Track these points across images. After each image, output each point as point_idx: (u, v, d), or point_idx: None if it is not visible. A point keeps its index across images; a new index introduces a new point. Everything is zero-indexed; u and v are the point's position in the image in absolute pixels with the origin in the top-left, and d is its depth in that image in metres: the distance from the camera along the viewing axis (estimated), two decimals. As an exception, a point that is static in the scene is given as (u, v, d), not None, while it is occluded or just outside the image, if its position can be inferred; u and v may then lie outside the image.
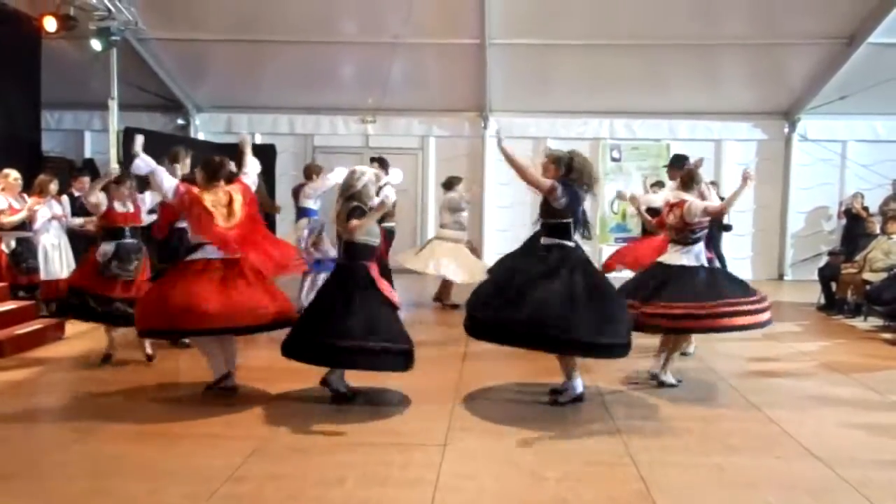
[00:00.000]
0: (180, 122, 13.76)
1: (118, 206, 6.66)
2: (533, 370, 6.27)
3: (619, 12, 10.92)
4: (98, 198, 6.57)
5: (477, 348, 7.19)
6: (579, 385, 5.65)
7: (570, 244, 5.53)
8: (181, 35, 11.66)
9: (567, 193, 5.45)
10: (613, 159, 13.67)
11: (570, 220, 5.52)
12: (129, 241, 6.70)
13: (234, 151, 6.73)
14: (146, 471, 4.25)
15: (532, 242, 5.71)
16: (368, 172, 5.67)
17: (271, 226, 8.96)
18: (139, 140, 5.84)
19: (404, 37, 11.07)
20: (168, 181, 5.62)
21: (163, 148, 10.80)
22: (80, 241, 8.89)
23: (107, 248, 6.60)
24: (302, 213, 9.28)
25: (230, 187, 5.74)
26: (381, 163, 9.60)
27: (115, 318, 6.58)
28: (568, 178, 5.51)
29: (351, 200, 5.49)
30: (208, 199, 5.61)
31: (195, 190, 5.65)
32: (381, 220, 5.91)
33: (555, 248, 5.51)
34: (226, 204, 5.66)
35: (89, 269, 6.66)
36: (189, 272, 5.55)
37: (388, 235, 8.32)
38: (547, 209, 5.56)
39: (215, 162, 5.83)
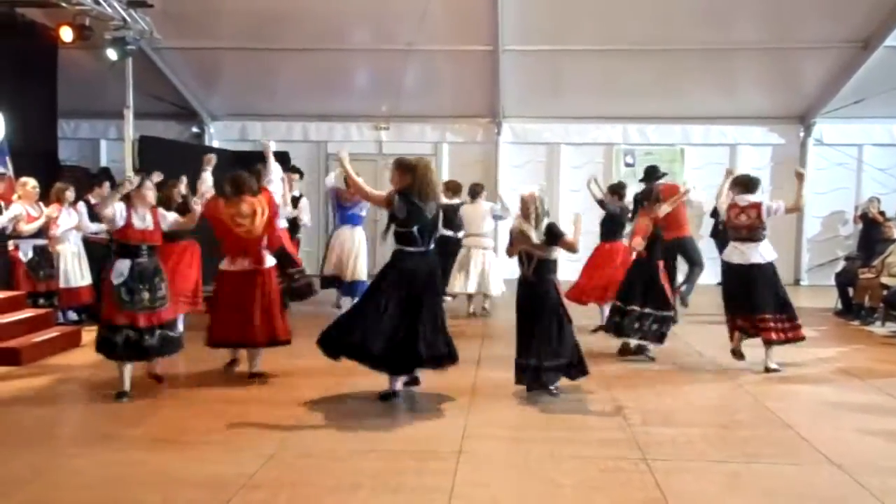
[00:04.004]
0: (195, 130, 13.87)
1: (136, 222, 5.90)
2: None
3: (632, 18, 10.90)
4: (115, 209, 5.80)
5: (491, 355, 7.19)
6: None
7: (414, 250, 5.68)
8: (196, 44, 11.74)
9: (405, 204, 5.57)
10: (627, 165, 13.62)
11: (413, 228, 5.63)
12: (145, 260, 5.94)
13: (249, 159, 6.86)
14: (160, 479, 4.25)
15: None
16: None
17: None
18: (212, 159, 6.62)
19: (417, 44, 11.10)
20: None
21: (178, 156, 10.90)
22: (96, 250, 8.96)
23: (122, 267, 5.84)
24: None
25: (255, 199, 6.19)
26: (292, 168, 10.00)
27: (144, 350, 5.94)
28: (409, 189, 5.61)
29: (539, 219, 5.73)
30: (230, 211, 6.06)
31: (224, 206, 6.09)
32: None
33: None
34: (249, 215, 6.09)
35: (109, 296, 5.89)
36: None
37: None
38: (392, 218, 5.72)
39: (241, 178, 6.22)
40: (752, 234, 6.85)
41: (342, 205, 9.50)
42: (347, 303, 8.91)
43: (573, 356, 5.87)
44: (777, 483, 4.31)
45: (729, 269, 6.99)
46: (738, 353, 7.00)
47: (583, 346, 6.06)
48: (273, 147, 6.95)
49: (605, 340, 7.56)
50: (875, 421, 5.53)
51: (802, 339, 6.92)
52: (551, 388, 5.90)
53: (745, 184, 7.06)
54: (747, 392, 6.24)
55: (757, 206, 6.86)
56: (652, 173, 9.18)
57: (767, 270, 6.85)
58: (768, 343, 6.80)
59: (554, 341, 5.77)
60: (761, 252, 6.86)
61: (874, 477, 4.35)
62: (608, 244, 8.83)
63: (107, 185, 9.55)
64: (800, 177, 6.93)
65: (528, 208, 5.78)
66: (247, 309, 6.15)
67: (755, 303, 6.74)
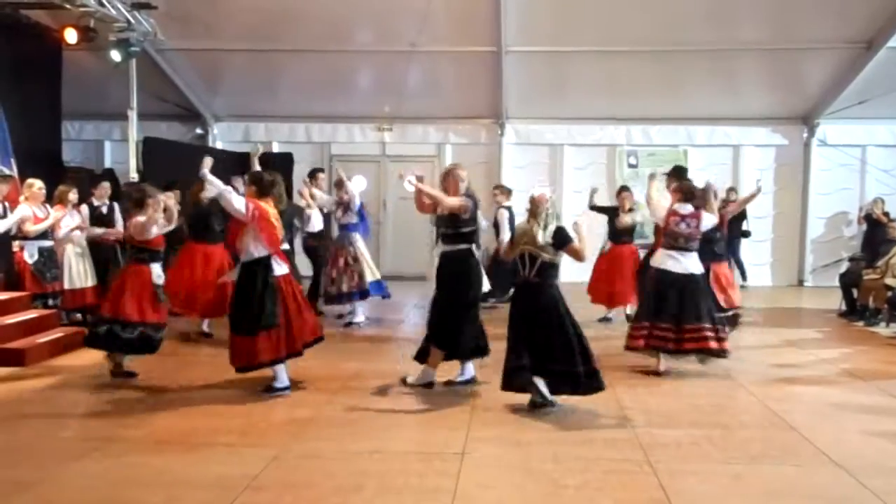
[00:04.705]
0: (199, 131, 13.88)
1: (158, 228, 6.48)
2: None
3: (635, 19, 10.90)
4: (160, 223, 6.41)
5: (494, 358, 7.18)
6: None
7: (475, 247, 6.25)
8: (199, 45, 11.77)
9: (474, 205, 6.14)
10: (630, 165, 13.62)
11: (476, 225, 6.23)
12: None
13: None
14: (164, 480, 4.27)
15: None
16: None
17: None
18: (208, 162, 6.13)
19: (420, 45, 11.10)
20: (237, 200, 5.88)
21: (181, 158, 10.85)
22: (99, 252, 8.97)
23: (159, 269, 6.48)
24: None
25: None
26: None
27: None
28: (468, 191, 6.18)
29: (548, 221, 5.62)
30: (272, 213, 6.00)
31: (263, 205, 5.95)
32: None
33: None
34: (276, 216, 6.08)
35: (149, 296, 6.35)
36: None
37: None
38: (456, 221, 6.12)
39: (267, 179, 6.19)
40: (689, 243, 6.74)
41: (364, 214, 9.53)
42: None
43: (586, 366, 5.52)
44: (780, 484, 4.31)
45: (665, 277, 6.73)
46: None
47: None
48: (258, 152, 6.99)
49: (606, 341, 7.54)
50: (879, 422, 5.53)
51: (727, 353, 6.74)
52: (549, 398, 5.53)
53: (687, 192, 6.93)
54: (750, 393, 6.24)
55: (698, 216, 6.76)
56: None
57: (702, 281, 6.85)
58: (709, 353, 6.65)
59: (569, 345, 5.48)
60: (694, 262, 6.78)
61: (877, 478, 4.35)
62: (619, 247, 8.91)
63: (105, 185, 9.53)
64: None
65: (539, 209, 5.63)
66: (304, 310, 6.17)
67: (695, 313, 6.61)
